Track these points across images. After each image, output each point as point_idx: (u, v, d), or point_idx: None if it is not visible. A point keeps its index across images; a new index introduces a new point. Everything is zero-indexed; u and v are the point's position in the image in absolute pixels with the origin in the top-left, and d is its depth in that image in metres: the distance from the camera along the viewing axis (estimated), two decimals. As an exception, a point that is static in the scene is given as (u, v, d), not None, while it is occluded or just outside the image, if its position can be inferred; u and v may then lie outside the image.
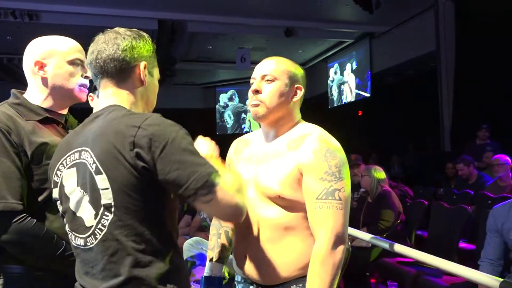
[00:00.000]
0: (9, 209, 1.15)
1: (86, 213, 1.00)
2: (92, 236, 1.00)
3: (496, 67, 5.67)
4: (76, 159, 1.02)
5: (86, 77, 1.35)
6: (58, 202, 1.08)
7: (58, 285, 1.23)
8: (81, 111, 1.50)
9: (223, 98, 13.22)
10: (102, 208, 0.97)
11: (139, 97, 1.10)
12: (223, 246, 1.41)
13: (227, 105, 13.22)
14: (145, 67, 1.09)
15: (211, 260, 1.41)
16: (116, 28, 1.10)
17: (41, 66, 1.29)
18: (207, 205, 0.95)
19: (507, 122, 5.62)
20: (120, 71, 1.06)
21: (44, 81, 1.29)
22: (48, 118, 1.29)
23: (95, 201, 0.98)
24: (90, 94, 1.64)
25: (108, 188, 0.96)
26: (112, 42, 1.06)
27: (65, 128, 1.35)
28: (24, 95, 1.32)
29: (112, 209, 0.96)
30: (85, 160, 1.00)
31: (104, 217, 0.97)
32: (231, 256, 1.42)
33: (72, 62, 1.31)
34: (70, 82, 1.31)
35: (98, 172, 0.96)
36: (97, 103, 1.62)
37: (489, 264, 2.19)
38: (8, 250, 1.18)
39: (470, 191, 4.37)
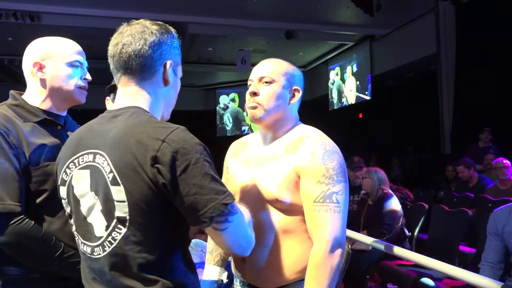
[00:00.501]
0: (7, 211, 1.14)
1: (97, 222, 0.95)
2: (100, 247, 0.94)
3: (497, 70, 5.67)
4: (90, 161, 0.95)
5: (85, 79, 1.33)
6: (65, 202, 1.02)
7: None
8: (81, 113, 1.50)
9: (224, 100, 13.22)
10: (115, 221, 0.91)
11: (161, 98, 1.03)
12: (220, 250, 1.40)
13: (227, 107, 13.22)
14: (170, 65, 1.02)
15: (209, 263, 1.41)
16: (142, 20, 1.01)
17: (40, 67, 1.28)
18: (220, 233, 0.91)
19: (508, 125, 5.61)
20: (144, 69, 0.98)
21: (43, 82, 1.29)
22: (47, 120, 1.28)
23: (108, 212, 0.92)
24: (107, 97, 1.63)
25: (124, 201, 0.89)
26: (139, 36, 0.97)
27: (65, 129, 1.34)
28: (23, 96, 1.31)
29: (126, 223, 0.90)
30: (100, 166, 0.93)
31: (116, 230, 0.92)
32: (230, 258, 1.42)
33: (71, 64, 1.30)
34: (69, 84, 1.30)
35: (115, 183, 0.90)
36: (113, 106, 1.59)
37: (490, 268, 2.19)
38: (5, 252, 1.17)
39: (470, 194, 4.36)
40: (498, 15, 5.61)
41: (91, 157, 0.95)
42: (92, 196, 0.95)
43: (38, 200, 1.22)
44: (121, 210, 0.90)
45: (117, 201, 0.90)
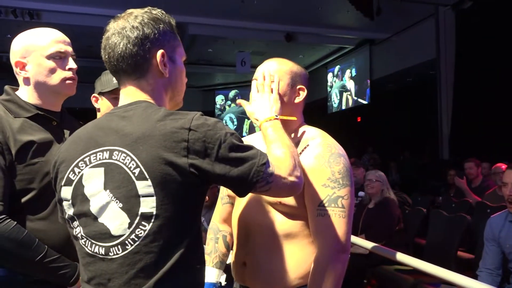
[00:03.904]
0: None
1: (114, 221, 0.90)
2: (119, 246, 0.90)
3: (496, 75, 5.68)
4: (105, 159, 0.91)
5: (70, 69, 1.27)
6: (68, 203, 0.95)
7: None
8: (80, 111, 1.48)
9: (222, 100, 13.22)
10: (138, 217, 0.89)
11: (163, 89, 1.00)
12: (220, 251, 1.38)
13: (225, 108, 13.24)
14: (163, 55, 0.97)
15: (208, 265, 1.39)
16: (128, 12, 0.99)
17: (22, 66, 1.24)
18: (266, 193, 0.96)
19: (506, 131, 5.62)
20: (136, 68, 0.96)
21: (27, 80, 1.25)
22: (39, 115, 1.25)
23: (130, 208, 0.89)
24: (94, 95, 1.53)
25: (152, 196, 0.88)
26: (122, 35, 0.95)
27: (61, 126, 1.29)
28: (17, 92, 1.28)
29: (152, 219, 0.88)
30: (119, 163, 0.90)
31: (140, 227, 0.88)
32: (230, 261, 1.39)
33: (51, 57, 1.24)
34: (52, 78, 1.25)
35: (141, 178, 0.88)
36: (104, 103, 1.51)
37: (488, 274, 2.18)
38: None
39: (469, 199, 4.36)
40: (498, 21, 5.63)
41: (106, 154, 0.92)
42: (107, 194, 0.91)
43: (23, 200, 1.17)
44: (148, 206, 0.88)
45: (144, 196, 0.88)
